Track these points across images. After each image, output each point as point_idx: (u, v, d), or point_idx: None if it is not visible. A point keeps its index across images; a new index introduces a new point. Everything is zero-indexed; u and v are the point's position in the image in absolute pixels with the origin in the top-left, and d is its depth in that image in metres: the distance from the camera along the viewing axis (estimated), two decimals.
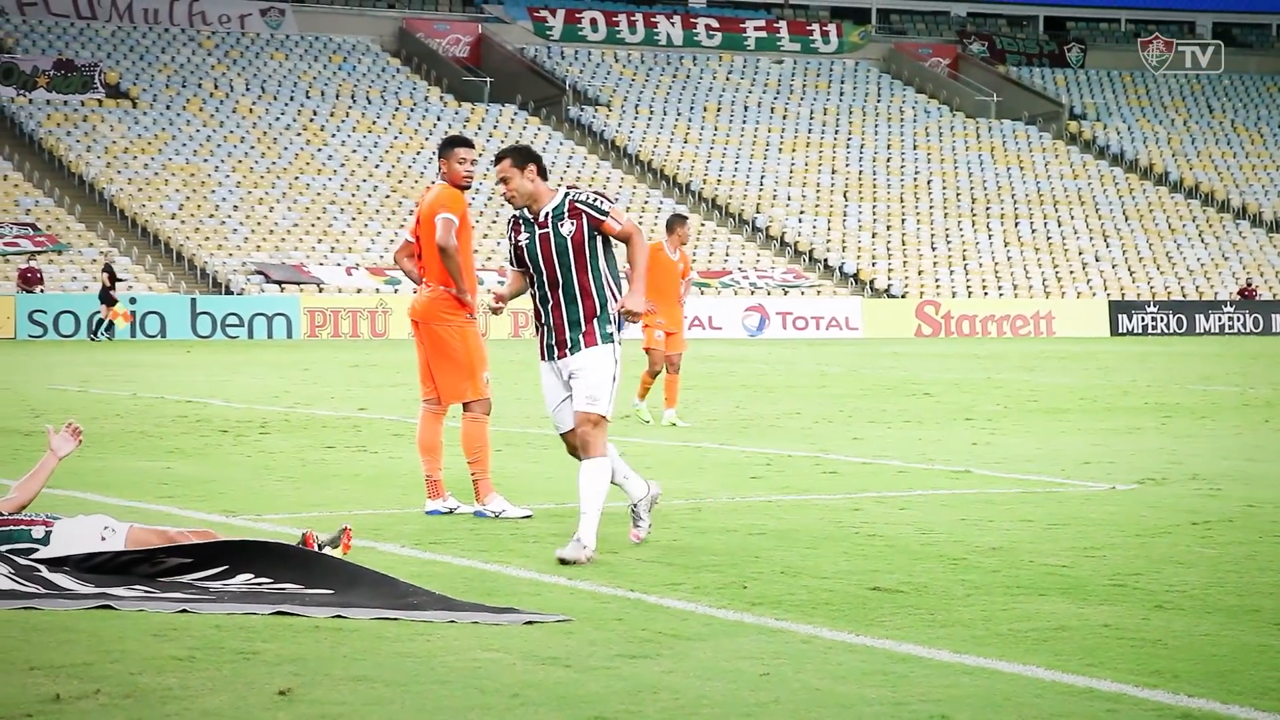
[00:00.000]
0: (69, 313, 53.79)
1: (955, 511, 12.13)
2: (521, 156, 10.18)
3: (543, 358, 10.18)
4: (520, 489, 13.04)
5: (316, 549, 9.45)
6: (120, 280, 54.08)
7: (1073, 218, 74.44)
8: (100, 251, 59.01)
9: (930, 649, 7.48)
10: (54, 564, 9.05)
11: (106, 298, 52.57)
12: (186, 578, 8.99)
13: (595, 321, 10.04)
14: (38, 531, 9.22)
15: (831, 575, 9.42)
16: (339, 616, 8.13)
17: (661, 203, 70.36)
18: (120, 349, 45.58)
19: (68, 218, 61.82)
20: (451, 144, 12.22)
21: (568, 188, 10.28)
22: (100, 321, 52.73)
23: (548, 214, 10.12)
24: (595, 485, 9.86)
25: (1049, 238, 72.70)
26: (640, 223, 68.32)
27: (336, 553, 9.43)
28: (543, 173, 10.21)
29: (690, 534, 11.06)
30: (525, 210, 10.18)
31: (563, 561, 9.73)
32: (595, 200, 10.10)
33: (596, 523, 9.87)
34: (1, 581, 8.66)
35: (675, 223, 20.50)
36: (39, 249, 58.64)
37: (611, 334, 10.07)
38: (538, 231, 10.12)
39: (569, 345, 10.03)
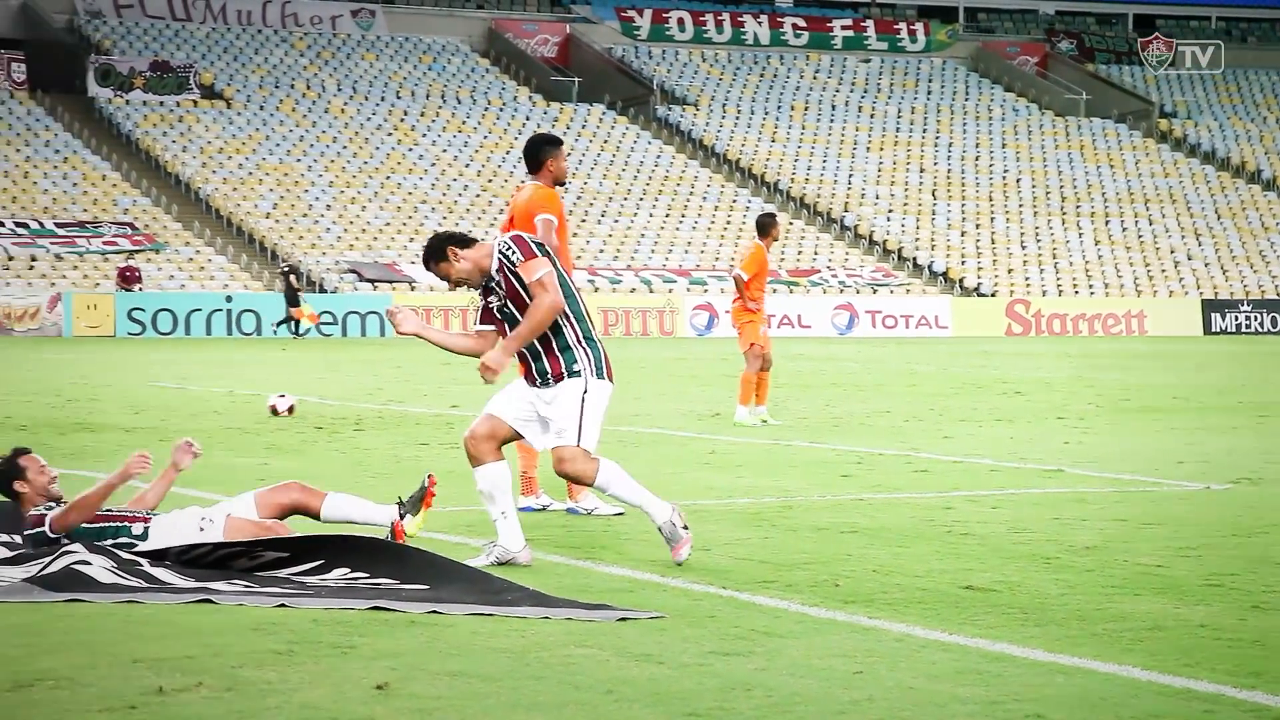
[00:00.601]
0: (166, 311, 54.43)
1: (1048, 510, 12.09)
2: (436, 250, 9.69)
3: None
4: None
5: (399, 511, 9.52)
6: (294, 280, 54.84)
7: (1164, 216, 73.92)
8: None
9: (1024, 648, 7.46)
10: (155, 558, 9.18)
11: (293, 299, 53.61)
12: (284, 572, 9.10)
13: (561, 360, 9.62)
14: (137, 528, 9.36)
15: (924, 574, 9.41)
16: (434, 612, 8.19)
17: (750, 202, 70.36)
18: (216, 347, 45.96)
19: (164, 217, 62.50)
20: (553, 143, 12.24)
21: (499, 242, 9.70)
22: (294, 322, 53.71)
23: (492, 274, 9.68)
24: (626, 486, 9.57)
25: (1140, 236, 72.21)
26: (729, 222, 68.36)
27: (418, 520, 9.51)
28: (465, 242, 9.74)
29: (782, 532, 11.07)
30: (486, 279, 9.72)
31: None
32: (510, 250, 9.55)
33: (655, 500, 9.64)
34: (105, 575, 8.79)
35: (772, 222, 20.58)
36: (137, 248, 59.38)
37: (579, 370, 9.58)
38: (499, 292, 9.69)
39: (538, 380, 9.68)
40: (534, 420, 9.69)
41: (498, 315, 9.71)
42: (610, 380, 9.72)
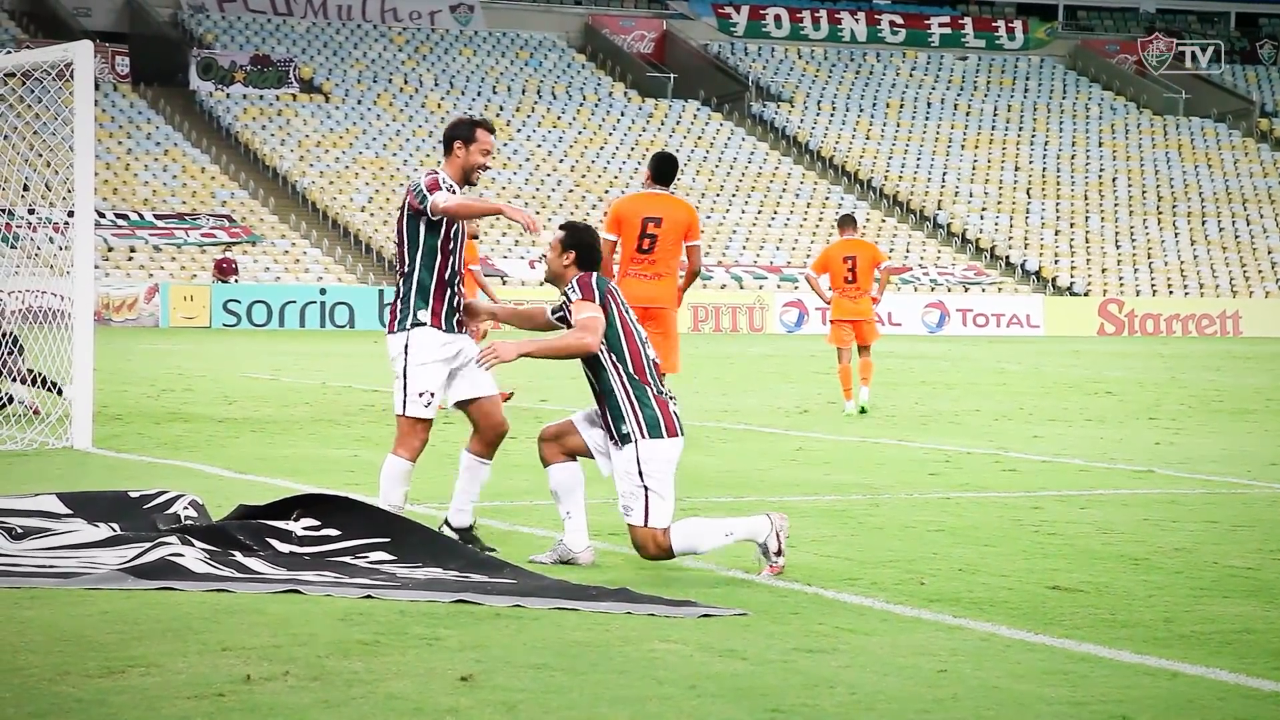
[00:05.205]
0: (261, 303, 54.87)
1: (1137, 511, 12.02)
2: (571, 234, 9.67)
3: None
4: (697, 481, 13.09)
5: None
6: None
7: (1262, 216, 73.21)
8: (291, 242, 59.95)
9: (1111, 649, 7.43)
10: (248, 550, 9.27)
11: None
12: (383, 567, 9.18)
13: (609, 417, 9.45)
14: None
15: (1010, 573, 9.38)
16: (519, 606, 8.23)
17: (842, 199, 70.20)
18: (310, 339, 46.25)
19: (261, 210, 63.02)
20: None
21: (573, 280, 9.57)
22: None
23: (564, 293, 9.63)
24: (711, 537, 9.30)
25: (1237, 237, 71.54)
26: (820, 219, 68.22)
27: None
28: (588, 260, 9.56)
29: (868, 529, 11.06)
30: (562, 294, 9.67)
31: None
32: (569, 288, 9.48)
33: (749, 522, 9.35)
34: (198, 566, 8.89)
35: (852, 223, 20.89)
36: (234, 240, 59.96)
37: (628, 433, 9.32)
38: (565, 314, 9.66)
39: (601, 425, 9.55)
40: (606, 454, 9.56)
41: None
42: (671, 435, 9.39)
